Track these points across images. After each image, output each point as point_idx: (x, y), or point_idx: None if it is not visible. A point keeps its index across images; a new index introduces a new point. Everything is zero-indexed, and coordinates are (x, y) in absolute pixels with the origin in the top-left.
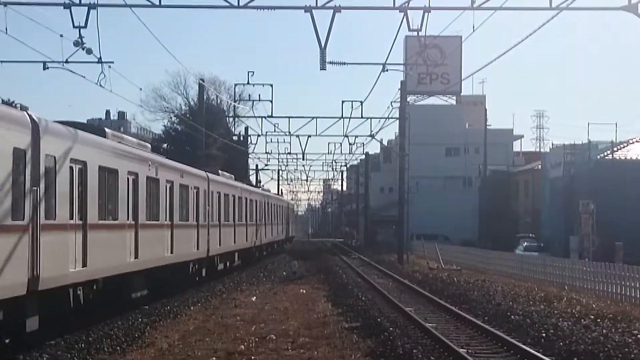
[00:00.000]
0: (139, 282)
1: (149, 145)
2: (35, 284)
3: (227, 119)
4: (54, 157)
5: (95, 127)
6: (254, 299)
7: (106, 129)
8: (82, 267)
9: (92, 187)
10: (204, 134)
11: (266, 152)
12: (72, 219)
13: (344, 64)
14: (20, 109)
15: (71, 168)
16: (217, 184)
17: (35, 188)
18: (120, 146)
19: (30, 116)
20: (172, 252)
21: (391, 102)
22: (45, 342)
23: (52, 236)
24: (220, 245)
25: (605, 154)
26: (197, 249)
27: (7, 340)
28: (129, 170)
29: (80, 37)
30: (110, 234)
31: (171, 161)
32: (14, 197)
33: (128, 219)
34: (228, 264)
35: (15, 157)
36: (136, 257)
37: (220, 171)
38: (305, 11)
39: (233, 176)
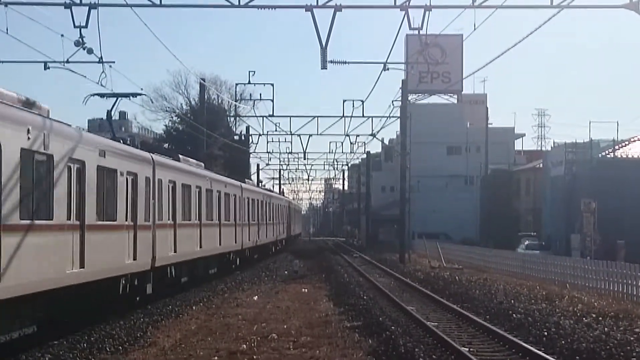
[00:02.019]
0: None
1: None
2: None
3: (228, 118)
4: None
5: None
6: (255, 298)
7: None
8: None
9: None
10: (205, 133)
11: (267, 152)
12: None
13: (345, 63)
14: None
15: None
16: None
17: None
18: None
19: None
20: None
21: (392, 101)
22: (47, 342)
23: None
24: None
25: (607, 152)
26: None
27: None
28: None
29: (81, 36)
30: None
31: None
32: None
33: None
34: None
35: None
36: (257, 238)
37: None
38: (306, 10)
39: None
